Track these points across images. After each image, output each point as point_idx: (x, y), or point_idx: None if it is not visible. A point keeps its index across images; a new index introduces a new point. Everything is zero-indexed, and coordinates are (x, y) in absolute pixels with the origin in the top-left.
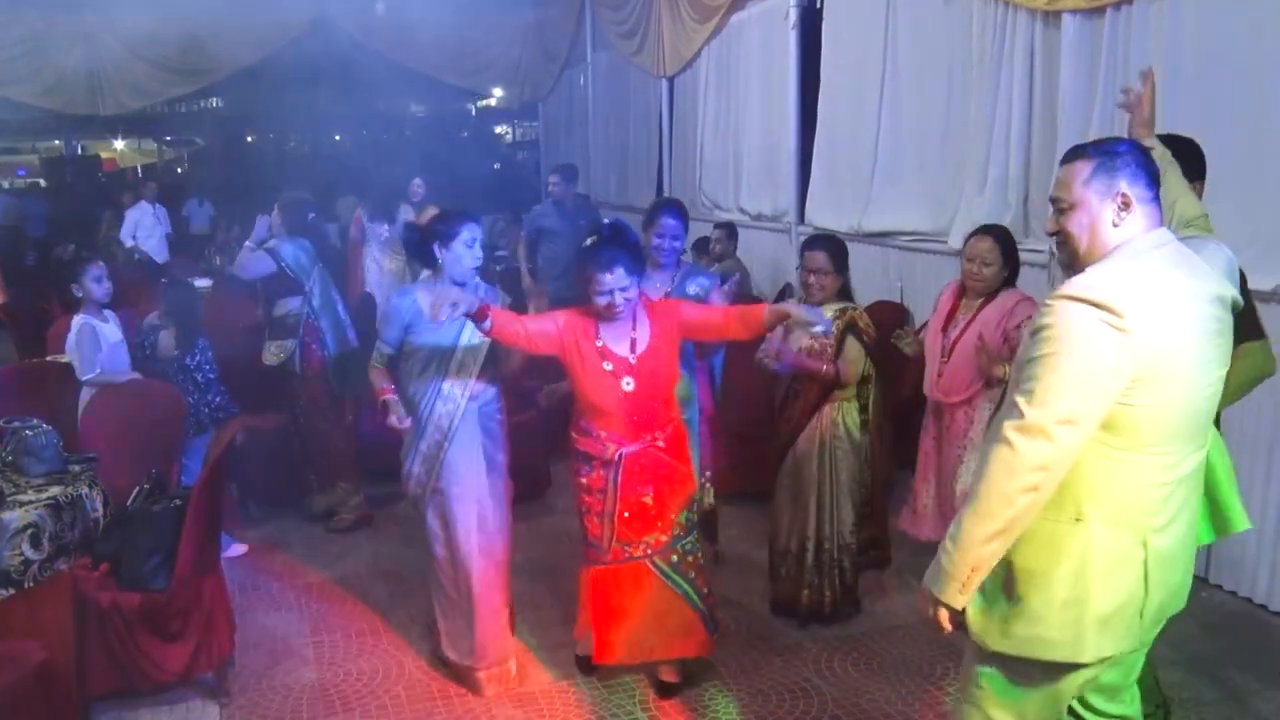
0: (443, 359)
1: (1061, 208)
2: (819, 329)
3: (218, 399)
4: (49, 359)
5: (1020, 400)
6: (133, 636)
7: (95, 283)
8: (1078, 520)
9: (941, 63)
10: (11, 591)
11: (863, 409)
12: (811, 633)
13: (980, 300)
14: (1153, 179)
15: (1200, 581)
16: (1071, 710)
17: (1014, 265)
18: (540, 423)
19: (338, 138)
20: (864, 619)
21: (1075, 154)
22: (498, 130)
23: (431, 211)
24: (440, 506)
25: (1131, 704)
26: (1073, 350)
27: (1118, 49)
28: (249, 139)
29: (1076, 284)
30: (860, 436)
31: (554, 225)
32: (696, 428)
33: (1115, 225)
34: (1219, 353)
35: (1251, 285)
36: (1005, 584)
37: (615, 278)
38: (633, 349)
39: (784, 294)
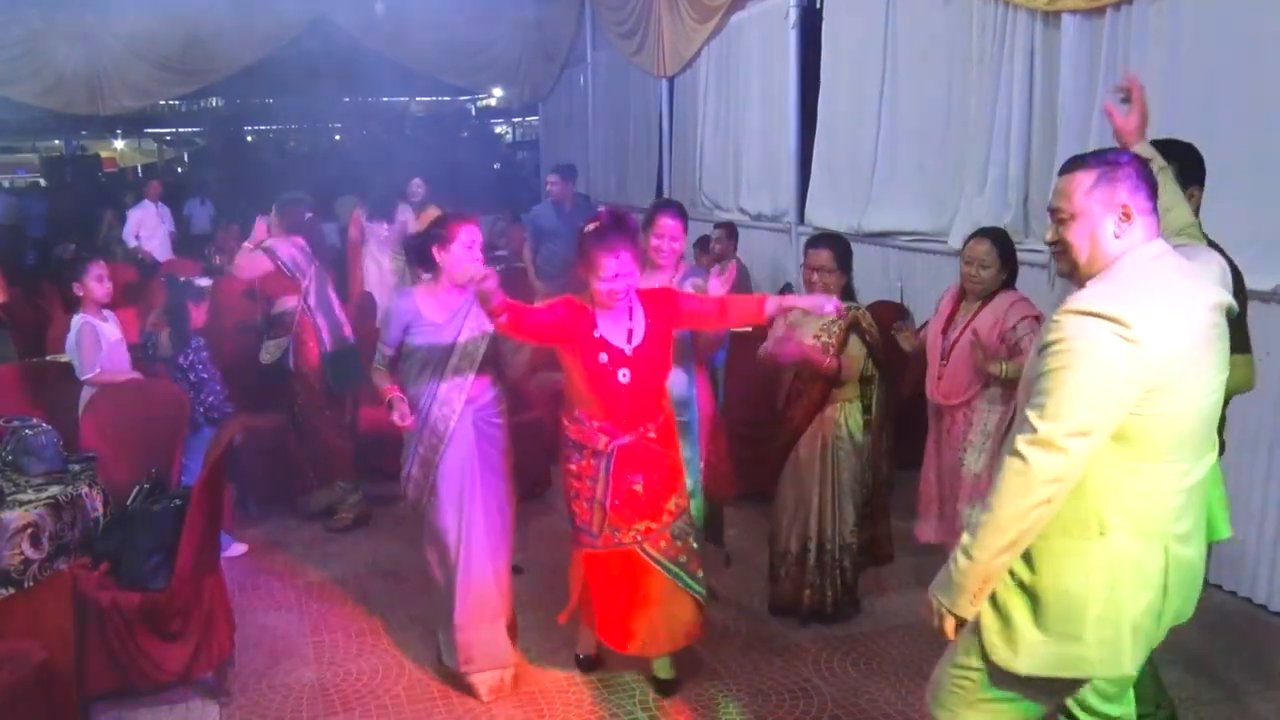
0: (439, 361)
1: (1061, 218)
2: (829, 308)
3: (211, 398)
4: (49, 359)
5: (1032, 415)
6: (132, 636)
7: (96, 282)
8: (1102, 534)
9: (941, 63)
10: (11, 591)
11: (866, 409)
12: (811, 633)
13: (979, 302)
14: (1152, 190)
15: None
16: (1067, 711)
17: (1012, 268)
18: (540, 423)
19: (337, 137)
20: (864, 619)
21: (1075, 164)
22: (498, 130)
23: (431, 212)
24: (436, 510)
25: (1128, 705)
26: (1084, 363)
27: (1118, 49)
28: (249, 138)
29: (1083, 298)
30: (863, 438)
31: (553, 225)
32: (695, 429)
33: (1116, 236)
34: (1220, 358)
35: (1252, 285)
36: (1033, 608)
37: (620, 262)
38: (629, 339)
39: (784, 294)
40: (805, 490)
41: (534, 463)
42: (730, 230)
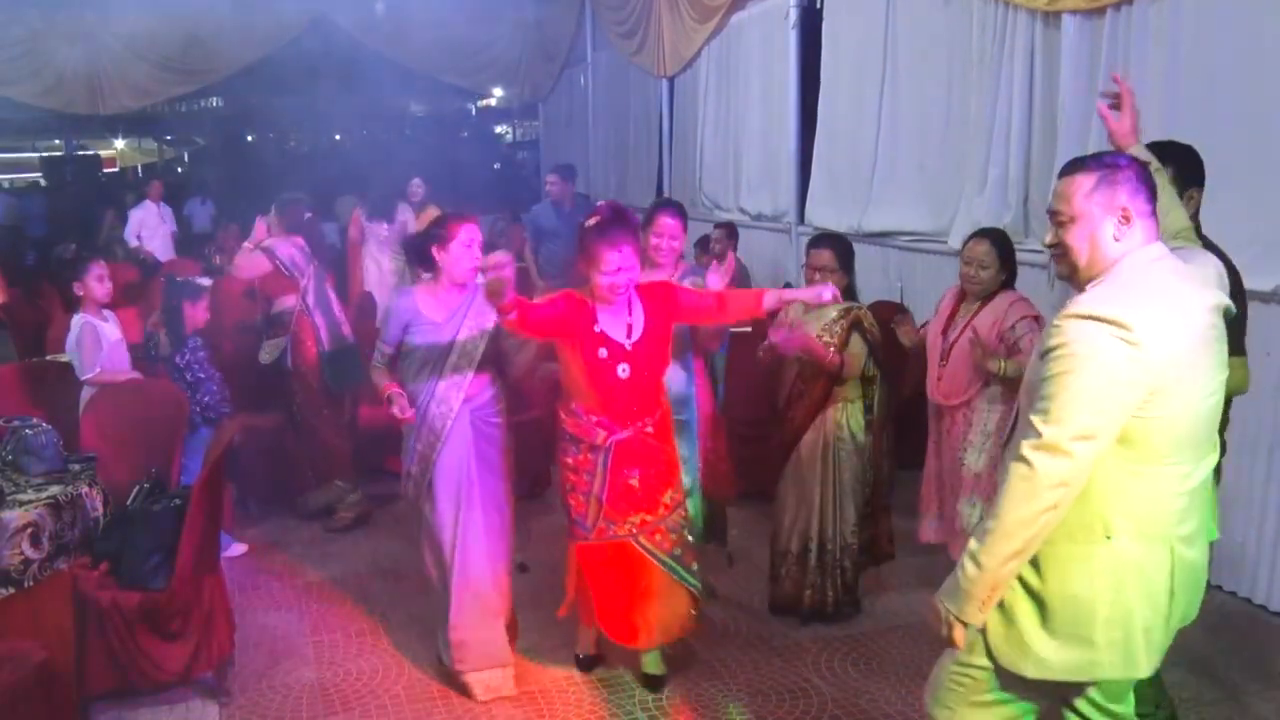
0: (438, 359)
1: (1061, 220)
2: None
3: (207, 398)
4: (49, 359)
5: (1036, 420)
6: (132, 636)
7: (97, 282)
8: (1107, 539)
9: (941, 63)
10: (11, 591)
11: (867, 409)
12: (812, 632)
13: (978, 303)
14: (1152, 193)
15: None
16: (1075, 708)
17: (1011, 268)
18: (540, 422)
19: (338, 137)
20: (864, 619)
21: (1075, 166)
22: (498, 130)
23: (431, 212)
24: (432, 508)
25: (1129, 704)
26: (1087, 367)
27: (1118, 49)
28: (249, 138)
29: (1083, 302)
30: (864, 438)
31: (553, 225)
32: (694, 428)
33: (1116, 239)
34: (1219, 360)
35: (1251, 285)
36: (1040, 613)
37: (622, 256)
38: (628, 334)
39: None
40: (806, 490)
41: (534, 461)
42: (730, 230)
